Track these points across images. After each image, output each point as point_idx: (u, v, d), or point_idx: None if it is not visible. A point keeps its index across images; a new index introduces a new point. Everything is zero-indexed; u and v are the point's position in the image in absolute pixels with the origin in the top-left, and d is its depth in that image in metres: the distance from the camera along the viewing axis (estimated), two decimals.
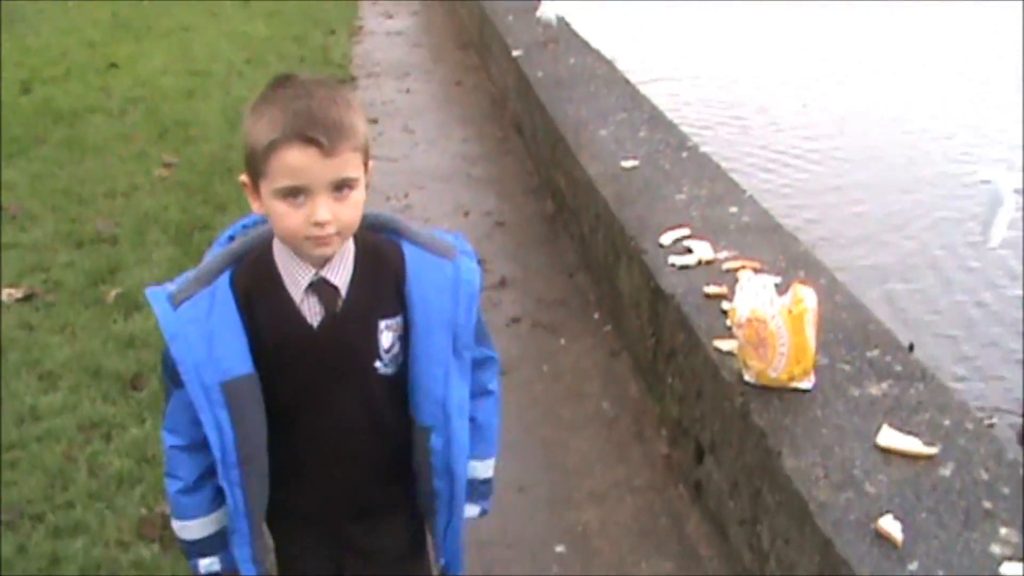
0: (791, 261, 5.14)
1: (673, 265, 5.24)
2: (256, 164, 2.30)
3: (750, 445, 3.95)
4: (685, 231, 5.59)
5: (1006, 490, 3.42)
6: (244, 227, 2.61)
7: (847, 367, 4.20)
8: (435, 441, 2.64)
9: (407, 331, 2.56)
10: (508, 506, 4.67)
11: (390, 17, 18.05)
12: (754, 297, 4.04)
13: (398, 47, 15.64)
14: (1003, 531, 3.21)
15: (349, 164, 2.31)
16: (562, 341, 6.37)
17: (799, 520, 3.47)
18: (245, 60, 14.07)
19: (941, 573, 3.04)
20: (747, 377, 4.10)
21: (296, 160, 2.25)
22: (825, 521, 3.30)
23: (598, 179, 6.76)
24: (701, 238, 5.49)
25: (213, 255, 2.50)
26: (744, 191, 6.40)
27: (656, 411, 5.35)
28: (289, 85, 2.32)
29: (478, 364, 2.77)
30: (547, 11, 10.66)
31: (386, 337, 2.56)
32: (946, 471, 3.52)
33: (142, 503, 4.76)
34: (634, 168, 6.82)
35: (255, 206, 2.39)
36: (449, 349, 2.55)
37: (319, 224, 2.30)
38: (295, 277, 2.47)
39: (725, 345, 4.36)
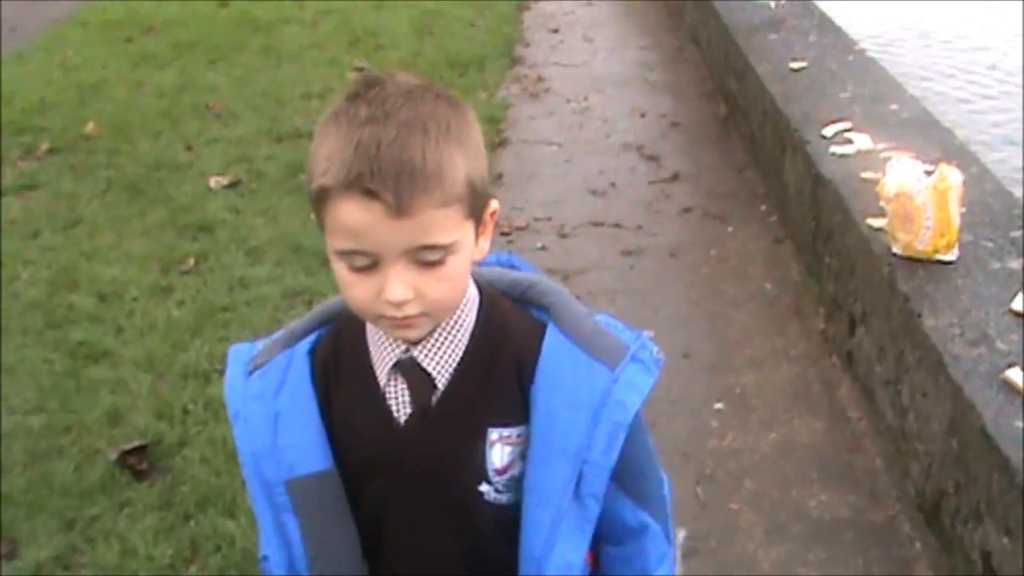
0: (945, 152, 5.34)
1: (834, 154, 5.50)
2: (315, 206, 1.63)
3: (895, 310, 4.23)
4: (847, 124, 5.83)
5: None
6: None
7: (990, 244, 4.44)
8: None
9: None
10: (673, 370, 5.01)
11: None
12: (903, 174, 4.33)
13: None
14: None
15: (435, 225, 1.58)
16: (729, 229, 6.67)
17: (934, 373, 3.76)
18: None
19: None
20: (895, 249, 4.37)
21: (355, 219, 1.55)
22: (957, 371, 3.58)
23: (767, 78, 7.00)
24: (861, 131, 5.73)
25: (312, 313, 1.91)
26: (905, 90, 6.59)
27: (815, 290, 5.63)
28: (366, 100, 1.59)
29: (631, 535, 1.92)
30: None
31: (498, 452, 1.78)
32: None
33: None
34: (802, 68, 7.04)
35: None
36: (569, 490, 1.73)
37: (389, 303, 1.62)
38: (381, 352, 1.78)
39: (877, 223, 4.61)
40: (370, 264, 1.60)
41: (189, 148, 8.36)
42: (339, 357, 1.83)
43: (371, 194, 1.52)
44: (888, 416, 4.38)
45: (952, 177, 4.27)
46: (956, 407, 3.53)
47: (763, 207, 6.89)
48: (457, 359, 1.76)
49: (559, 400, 1.73)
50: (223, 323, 5.66)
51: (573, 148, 8.23)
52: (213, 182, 7.61)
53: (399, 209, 1.53)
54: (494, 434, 1.77)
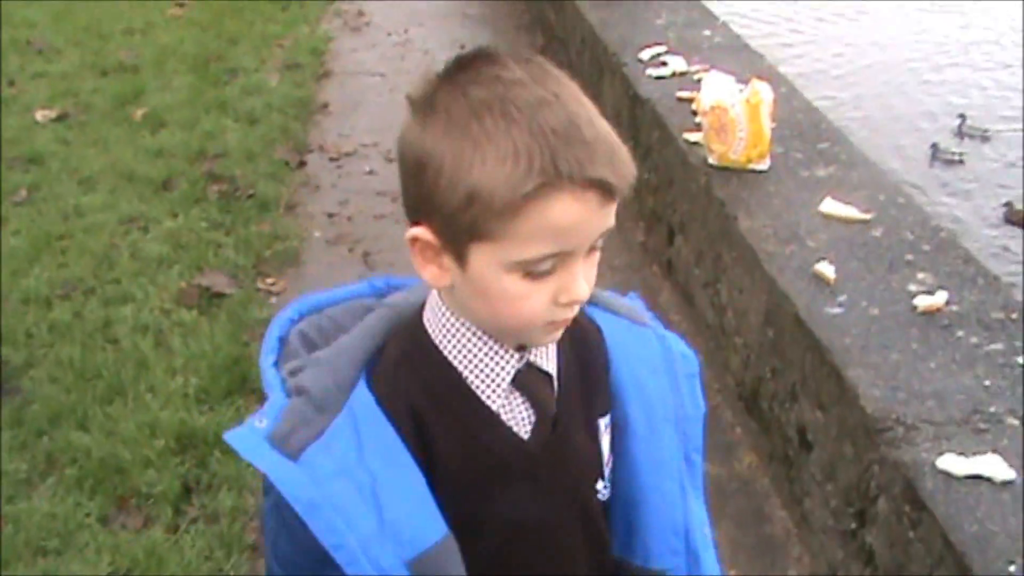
0: (756, 73, 5.61)
1: (650, 76, 5.74)
2: (477, 221, 1.34)
3: (712, 216, 4.48)
4: (662, 48, 6.07)
5: (926, 247, 3.95)
6: (372, 293, 1.65)
7: (799, 155, 4.72)
8: None
9: (615, 433, 1.65)
10: None
11: None
12: (718, 89, 4.58)
13: None
14: (920, 275, 3.75)
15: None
16: None
17: (751, 270, 4.02)
18: None
19: (864, 303, 3.58)
20: (711, 160, 4.62)
21: (570, 215, 1.34)
22: (772, 267, 3.84)
23: (583, 7, 7.21)
24: (676, 54, 5.98)
25: (337, 349, 1.51)
26: (717, 18, 6.86)
27: (635, 205, 5.87)
28: (507, 81, 1.35)
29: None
30: None
31: (606, 443, 1.65)
32: (876, 232, 4.06)
33: (180, 278, 5.32)
34: None
35: (436, 276, 1.45)
36: (680, 455, 1.67)
37: (574, 303, 1.44)
38: (488, 371, 1.50)
39: (693, 137, 4.86)
40: (552, 267, 1.39)
41: (12, 83, 8.26)
42: (427, 391, 1.50)
43: (590, 183, 1.33)
44: (708, 315, 4.64)
45: (764, 92, 4.54)
46: (771, 299, 3.79)
47: None
48: (555, 356, 1.57)
49: (642, 371, 1.66)
50: (61, 250, 5.69)
51: (396, 78, 8.36)
52: (40, 115, 7.57)
53: (614, 192, 1.37)
54: (602, 424, 1.63)
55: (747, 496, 3.94)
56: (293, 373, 1.49)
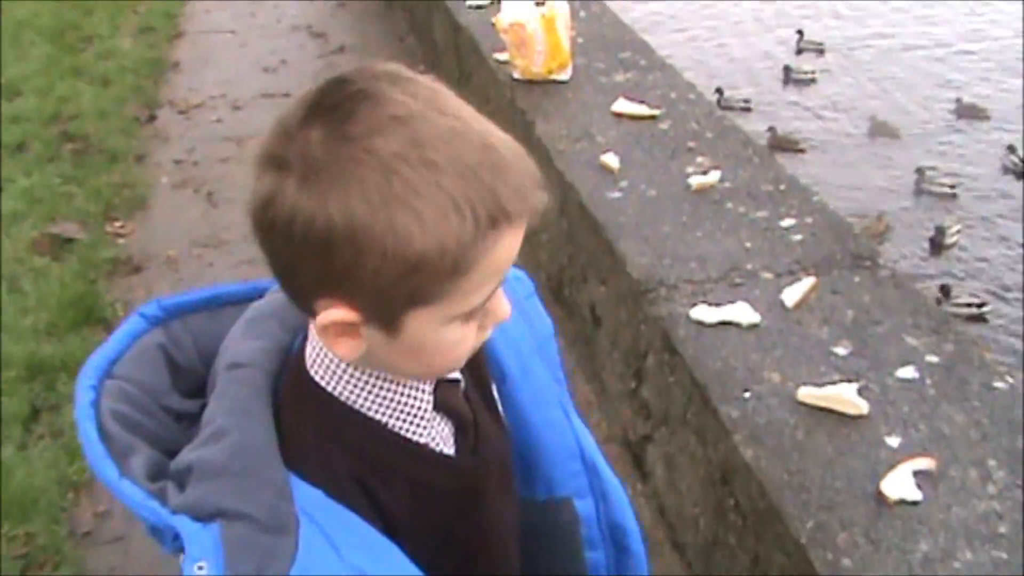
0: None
1: (469, 7, 5.91)
2: (422, 287, 1.18)
3: (517, 125, 4.64)
4: None
5: (709, 135, 4.16)
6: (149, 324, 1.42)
7: (601, 65, 4.91)
8: (582, 508, 1.61)
9: (498, 386, 1.55)
10: None
11: None
12: (515, 8, 4.73)
13: None
14: (699, 159, 3.96)
15: None
16: None
17: (544, 166, 4.18)
18: None
19: (643, 186, 3.78)
20: (515, 75, 4.78)
21: (512, 248, 1.23)
22: (562, 161, 4.03)
23: None
24: None
25: (232, 449, 1.23)
26: None
27: None
28: (407, 110, 1.14)
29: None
30: None
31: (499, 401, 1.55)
32: (664, 125, 4.27)
33: (33, 229, 5.40)
34: None
35: (351, 349, 1.25)
36: (551, 378, 1.60)
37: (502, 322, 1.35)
38: (411, 410, 1.36)
39: (502, 56, 5.02)
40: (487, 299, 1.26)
41: None
42: (358, 459, 1.32)
43: (529, 210, 1.21)
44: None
45: (558, 7, 4.70)
46: (562, 191, 3.97)
47: (421, 67, 7.25)
48: None
49: (524, 347, 1.56)
50: None
51: (247, 34, 8.45)
52: None
53: (533, 214, 1.23)
54: (494, 387, 1.53)
55: None
56: (179, 483, 1.24)
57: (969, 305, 11.96)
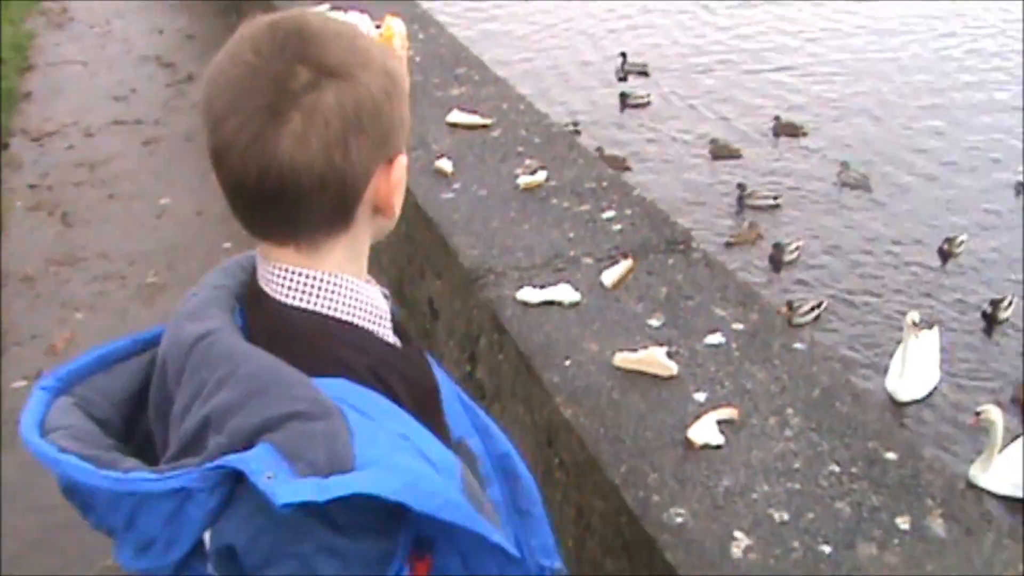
0: (411, 19, 5.97)
1: None
2: (406, 109, 1.46)
3: None
4: (326, 6, 6.36)
5: (537, 140, 4.36)
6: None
7: (437, 80, 5.08)
8: (475, 446, 1.66)
9: None
10: (188, 226, 5.55)
11: None
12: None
13: None
14: (528, 161, 4.15)
15: None
16: None
17: None
18: None
19: (475, 187, 3.96)
20: None
21: None
22: None
23: None
24: (351, 10, 6.29)
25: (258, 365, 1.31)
26: None
27: None
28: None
29: None
30: None
31: None
32: (496, 133, 4.45)
33: None
34: None
35: (391, 212, 1.48)
36: None
37: None
38: (379, 313, 1.49)
39: None
40: None
41: None
42: (363, 359, 1.41)
43: None
44: None
45: (396, 25, 4.81)
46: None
47: None
48: None
49: None
50: None
51: (97, 65, 8.50)
52: None
53: None
54: None
55: None
56: (189, 447, 1.28)
57: (812, 309, 12.48)
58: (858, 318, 11.55)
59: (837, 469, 2.45)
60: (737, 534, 2.27)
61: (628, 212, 3.72)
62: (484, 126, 4.51)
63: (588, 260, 3.40)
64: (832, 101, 16.41)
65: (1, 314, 4.73)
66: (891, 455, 2.50)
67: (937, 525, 2.30)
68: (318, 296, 1.40)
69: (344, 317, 1.42)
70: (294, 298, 1.40)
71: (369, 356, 1.40)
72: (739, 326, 3.01)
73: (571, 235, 3.57)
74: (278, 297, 1.41)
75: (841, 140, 15.16)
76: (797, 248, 12.49)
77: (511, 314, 3.13)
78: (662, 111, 15.66)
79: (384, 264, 4.59)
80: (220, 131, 1.32)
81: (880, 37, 19.01)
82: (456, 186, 3.97)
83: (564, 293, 3.18)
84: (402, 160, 1.44)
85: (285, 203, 1.34)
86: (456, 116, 4.58)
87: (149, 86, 7.81)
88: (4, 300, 4.93)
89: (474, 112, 4.61)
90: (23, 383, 4.28)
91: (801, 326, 10.95)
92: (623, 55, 16.92)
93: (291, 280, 1.40)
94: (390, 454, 1.23)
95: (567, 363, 2.87)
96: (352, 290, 1.43)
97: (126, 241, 5.31)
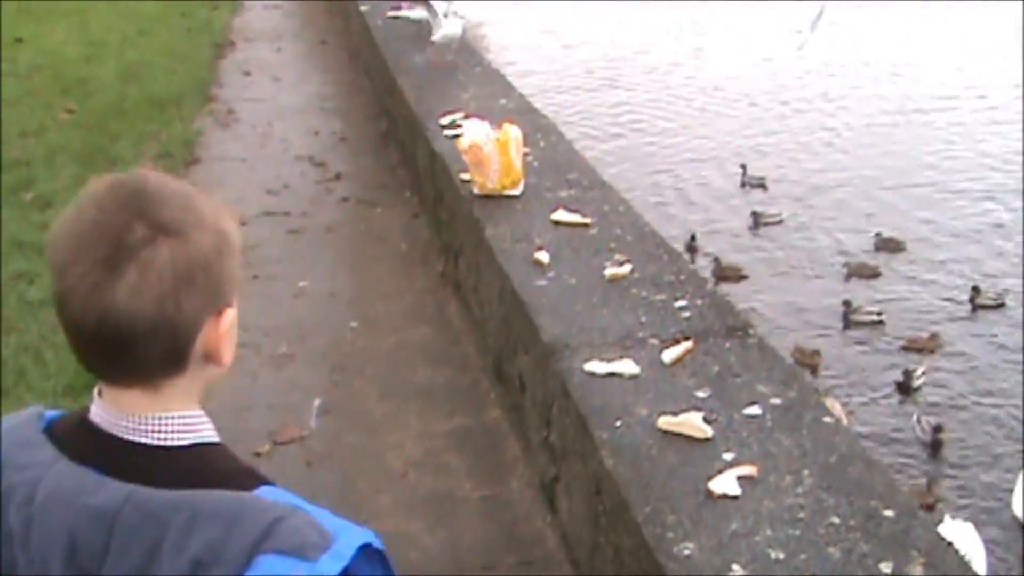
0: (534, 127, 6.49)
1: (446, 136, 6.58)
2: (236, 264, 1.53)
3: (474, 234, 5.29)
4: (460, 115, 6.92)
5: (630, 238, 4.79)
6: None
7: (549, 183, 5.55)
8: None
9: None
10: (321, 305, 6.08)
11: None
12: (474, 131, 5.40)
13: (274, 17, 16.73)
14: (617, 256, 4.58)
15: None
16: (378, 210, 7.72)
17: (488, 261, 4.83)
18: (137, 32, 15.14)
19: (566, 276, 4.40)
20: (475, 191, 5.43)
21: None
22: (503, 257, 4.65)
23: (405, 87, 8.07)
24: (472, 117, 6.82)
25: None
26: (515, 89, 7.76)
27: (437, 243, 6.70)
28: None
29: None
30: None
31: None
32: (594, 231, 4.89)
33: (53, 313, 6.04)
34: (433, 76, 8.15)
35: (230, 350, 1.55)
36: None
37: None
38: (214, 434, 1.60)
39: (466, 176, 5.67)
40: None
41: None
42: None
43: None
44: (475, 313, 5.44)
45: (512, 131, 5.38)
46: (501, 281, 4.59)
47: (407, 193, 7.95)
48: None
49: None
50: None
51: (255, 162, 9.15)
52: None
53: None
54: None
55: (489, 437, 4.73)
56: None
57: (869, 313, 12.76)
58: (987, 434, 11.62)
59: (837, 521, 2.82)
60: (735, 566, 2.65)
61: (699, 302, 4.12)
62: (584, 224, 4.95)
63: (654, 341, 3.81)
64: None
65: None
66: (889, 512, 2.85)
67: (917, 572, 2.65)
68: (191, 431, 1.49)
69: (214, 440, 1.53)
70: (168, 439, 1.47)
71: (242, 460, 1.54)
72: (777, 400, 3.39)
73: (643, 319, 3.98)
74: (150, 442, 1.47)
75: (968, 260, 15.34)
76: (923, 374, 12.60)
77: (578, 382, 3.56)
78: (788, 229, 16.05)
79: (490, 345, 5.05)
80: (63, 279, 1.41)
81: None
82: (550, 275, 4.42)
83: (626, 367, 3.60)
84: (230, 313, 1.51)
85: (121, 348, 1.42)
86: (560, 215, 5.03)
87: (301, 182, 8.42)
88: None
89: (576, 211, 5.06)
90: None
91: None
92: (743, 167, 17.46)
93: (159, 424, 1.47)
94: (338, 521, 1.43)
95: (617, 424, 3.28)
96: (204, 418, 1.53)
97: (264, 316, 5.82)
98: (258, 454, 4.57)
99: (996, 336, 13.60)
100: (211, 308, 1.47)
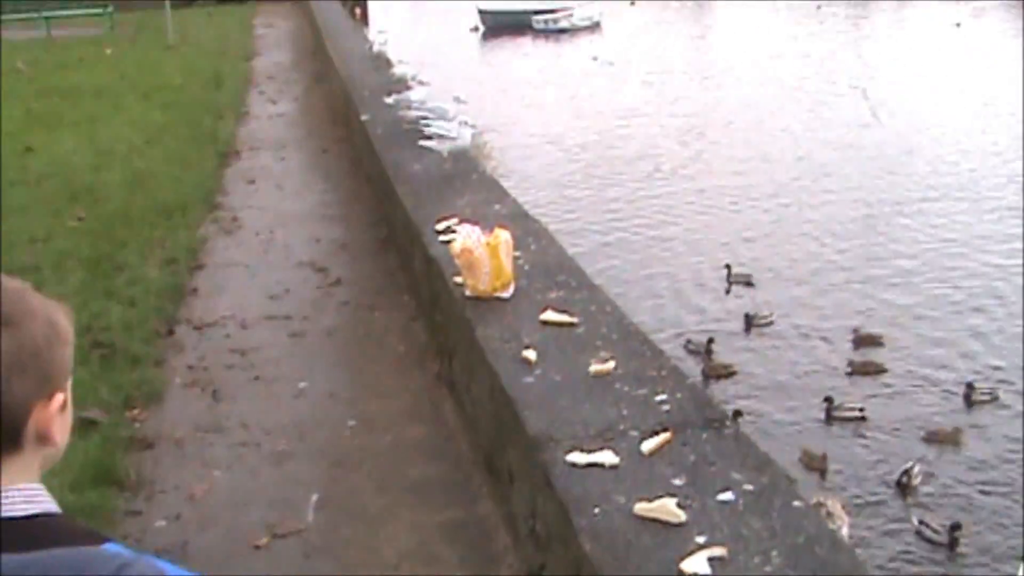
0: (525, 232, 6.73)
1: (441, 241, 6.82)
2: (69, 355, 1.69)
3: (465, 334, 5.50)
4: (454, 220, 7.16)
5: (615, 336, 5.00)
6: None
7: (539, 284, 5.77)
8: None
9: None
10: (319, 406, 6.27)
11: (274, 103, 19.40)
12: (465, 236, 5.64)
13: (278, 127, 17.11)
14: (603, 354, 4.78)
15: None
16: (377, 314, 7.94)
17: (480, 361, 5.03)
18: (144, 141, 15.50)
19: (555, 374, 4.60)
20: (468, 293, 5.64)
21: None
22: (492, 356, 4.85)
23: (403, 194, 8.33)
24: (466, 223, 7.07)
25: None
26: (509, 195, 8.02)
27: (434, 345, 6.91)
28: None
29: None
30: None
31: None
32: (580, 330, 5.10)
33: None
34: (430, 183, 8.42)
35: (63, 430, 1.71)
36: None
37: None
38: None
39: (459, 279, 5.89)
40: None
41: None
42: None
43: None
44: (469, 411, 5.64)
45: (502, 235, 5.61)
46: (491, 378, 4.79)
47: (405, 297, 8.18)
48: None
49: None
50: None
51: (258, 268, 9.40)
52: None
53: None
54: None
55: (480, 528, 4.90)
56: None
57: (851, 409, 12.96)
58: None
59: None
60: None
61: (679, 396, 4.32)
62: (571, 324, 5.16)
63: (634, 432, 4.00)
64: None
65: (152, 469, 5.47)
66: None
67: None
68: (32, 503, 1.60)
69: (56, 511, 1.64)
70: (13, 511, 1.57)
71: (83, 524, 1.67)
72: (749, 487, 3.58)
73: (624, 412, 4.18)
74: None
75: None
76: (920, 472, 12.78)
77: (560, 472, 3.75)
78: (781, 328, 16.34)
79: (482, 442, 5.24)
80: None
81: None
82: (537, 372, 4.62)
83: (606, 457, 3.79)
84: (59, 397, 1.63)
85: None
86: (548, 315, 5.25)
87: (302, 287, 8.65)
88: (155, 456, 5.66)
89: (564, 312, 5.28)
90: (163, 523, 4.98)
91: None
92: (728, 267, 17.84)
93: (3, 497, 1.57)
94: (181, 571, 1.59)
95: (596, 511, 3.46)
96: (43, 492, 1.64)
97: (265, 415, 6.03)
98: (257, 547, 4.76)
99: (990, 429, 13.81)
100: (41, 392, 1.59)
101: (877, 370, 15.28)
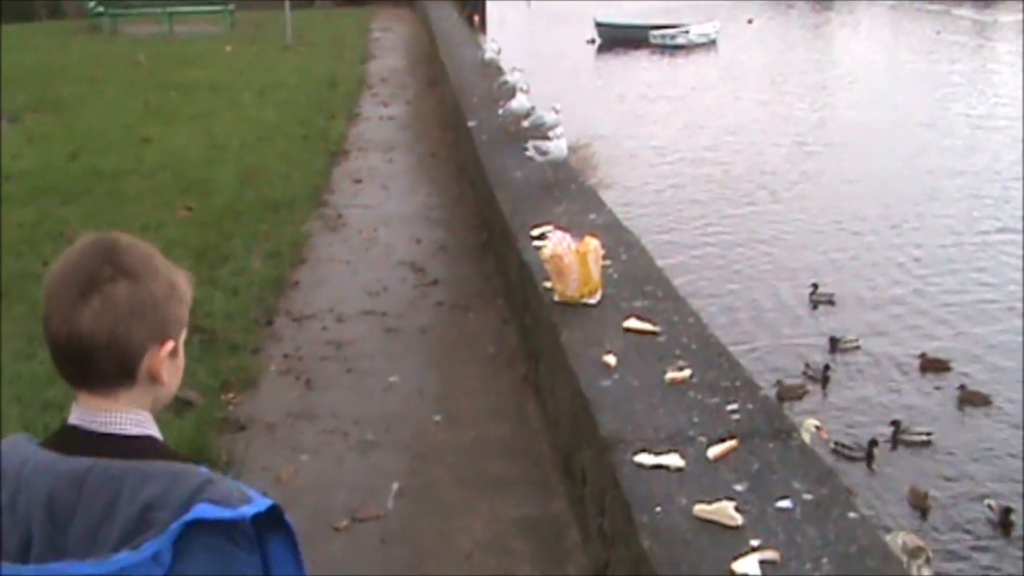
0: (618, 242, 6.89)
1: (535, 247, 6.99)
2: (185, 311, 1.98)
3: (551, 338, 5.67)
4: (549, 227, 7.33)
5: (694, 346, 5.14)
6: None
7: (626, 293, 5.93)
8: None
9: None
10: (408, 401, 6.51)
11: (385, 106, 19.62)
12: (555, 242, 5.81)
13: (388, 129, 17.36)
14: (680, 362, 4.92)
15: None
16: (470, 315, 8.14)
17: (562, 364, 5.20)
18: (256, 138, 15.86)
19: (632, 379, 4.76)
20: (556, 298, 5.82)
21: None
22: (576, 361, 5.01)
23: (502, 200, 8.52)
24: (561, 230, 7.24)
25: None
26: (606, 206, 8.18)
27: (523, 348, 7.09)
28: None
29: None
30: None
31: None
32: (661, 339, 5.25)
33: None
34: (530, 190, 8.61)
35: (175, 373, 1.99)
36: None
37: None
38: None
39: (549, 284, 6.07)
40: None
41: (45, 263, 9.50)
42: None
43: None
44: (551, 412, 5.81)
45: (591, 243, 5.77)
46: (572, 382, 4.96)
47: (500, 300, 8.37)
48: None
49: None
50: None
51: (359, 264, 9.65)
52: None
53: None
54: None
55: (553, 526, 5.07)
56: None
57: (919, 433, 12.94)
58: None
59: None
60: None
61: (750, 406, 4.45)
62: (653, 332, 5.31)
63: (702, 439, 4.14)
64: None
65: (242, 451, 5.71)
66: None
67: None
68: (141, 427, 1.90)
69: (159, 437, 1.94)
70: (125, 430, 1.87)
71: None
72: (809, 496, 3.70)
73: (695, 419, 4.32)
74: (111, 431, 1.87)
75: None
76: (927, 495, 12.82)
77: (627, 472, 3.90)
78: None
79: (560, 442, 5.41)
80: (48, 304, 1.84)
81: None
82: (615, 377, 4.78)
83: (672, 460, 3.94)
84: (169, 344, 1.89)
85: (83, 359, 1.82)
86: (631, 323, 5.40)
87: (400, 286, 8.87)
88: (247, 439, 5.91)
89: (647, 320, 5.42)
90: None
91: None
92: (814, 285, 17.88)
93: (118, 419, 1.87)
94: (257, 494, 1.84)
95: (657, 510, 3.62)
96: (151, 421, 1.94)
97: (355, 406, 6.25)
98: (336, 529, 4.97)
99: None
100: (155, 338, 1.87)
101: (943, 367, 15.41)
